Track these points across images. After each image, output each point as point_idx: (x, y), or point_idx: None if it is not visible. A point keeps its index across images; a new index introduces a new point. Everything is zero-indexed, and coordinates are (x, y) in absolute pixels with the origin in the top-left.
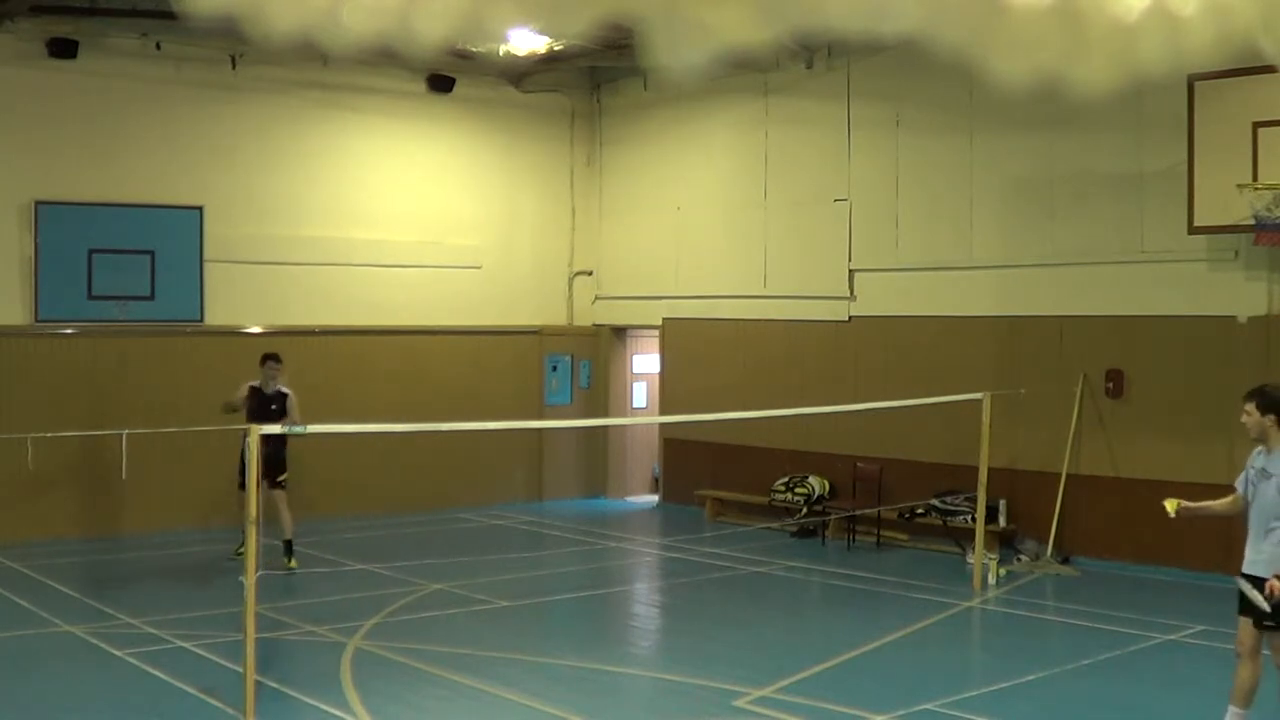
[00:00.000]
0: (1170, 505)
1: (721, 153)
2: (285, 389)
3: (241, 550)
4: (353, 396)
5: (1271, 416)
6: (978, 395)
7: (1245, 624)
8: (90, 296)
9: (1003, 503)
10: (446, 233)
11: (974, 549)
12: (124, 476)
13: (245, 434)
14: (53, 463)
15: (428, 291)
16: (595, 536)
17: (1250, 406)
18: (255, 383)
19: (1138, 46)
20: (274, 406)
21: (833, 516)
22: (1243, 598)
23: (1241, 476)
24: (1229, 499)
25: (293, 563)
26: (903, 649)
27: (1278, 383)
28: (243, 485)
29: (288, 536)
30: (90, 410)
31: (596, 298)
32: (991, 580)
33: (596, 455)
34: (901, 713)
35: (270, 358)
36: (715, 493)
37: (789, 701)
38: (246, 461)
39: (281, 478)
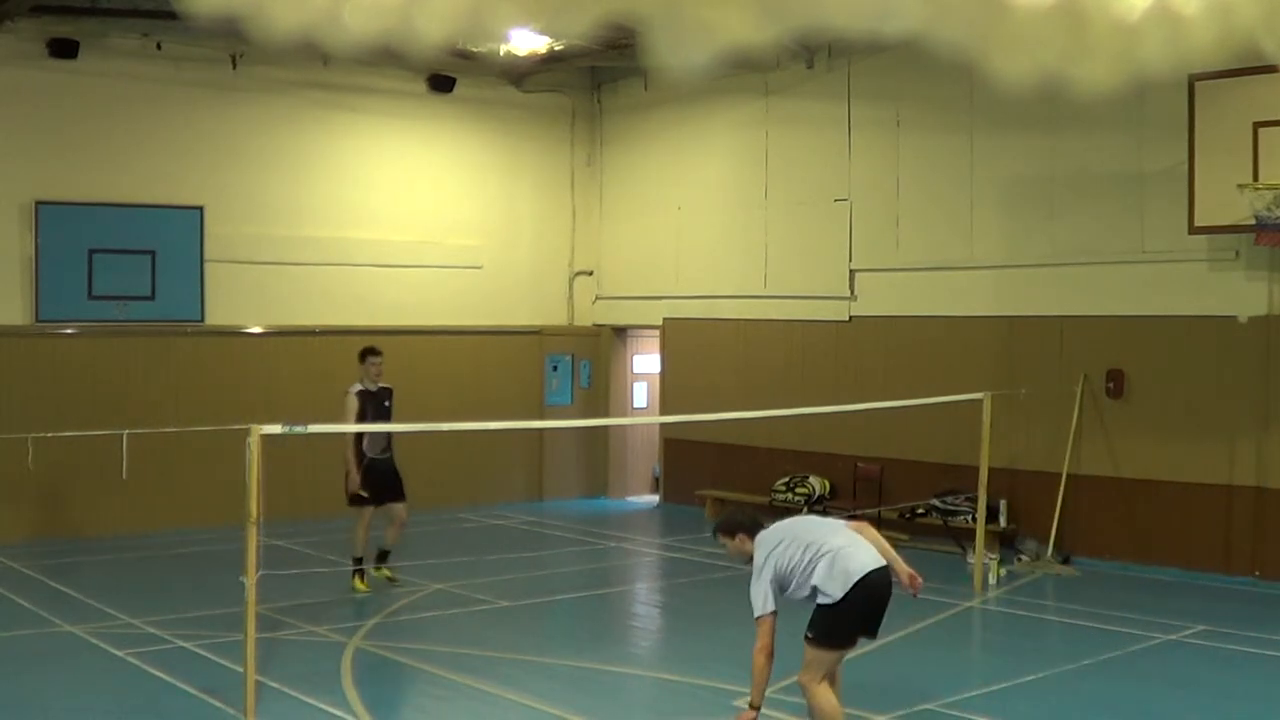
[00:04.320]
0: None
1: (721, 153)
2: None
3: (393, 578)
4: None
5: (741, 535)
6: (978, 395)
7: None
8: (90, 296)
9: (1003, 503)
10: (446, 233)
11: (974, 549)
12: (124, 476)
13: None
14: (52, 463)
15: (428, 291)
16: (595, 536)
17: (723, 539)
18: (358, 386)
19: (1139, 46)
20: (387, 404)
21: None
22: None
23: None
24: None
25: (384, 572)
26: (903, 649)
27: (733, 508)
28: (353, 501)
29: (388, 546)
30: (90, 410)
31: (597, 298)
32: (992, 580)
33: (597, 455)
34: (901, 713)
35: (372, 351)
36: (715, 493)
37: (789, 702)
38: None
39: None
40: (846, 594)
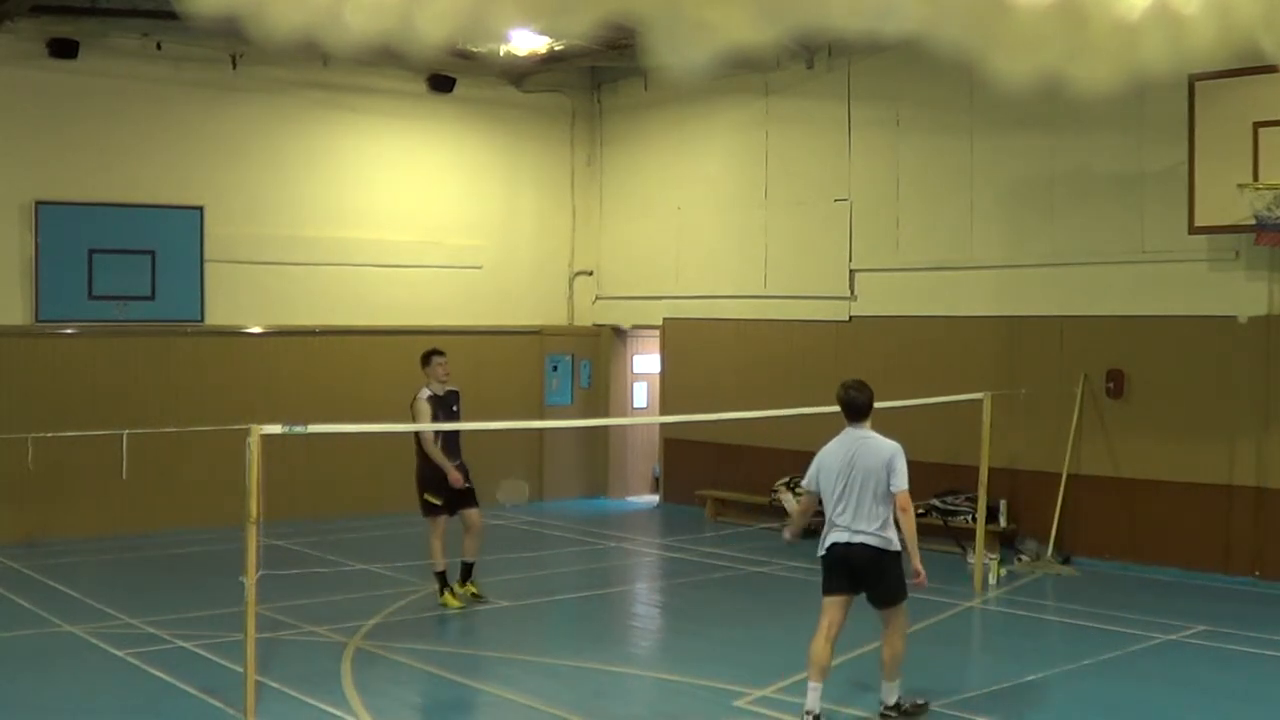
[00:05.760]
0: None
1: (721, 153)
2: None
3: (479, 594)
4: (353, 396)
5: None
6: (978, 395)
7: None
8: (90, 296)
9: (1003, 503)
10: (446, 233)
11: (974, 549)
12: (124, 476)
13: (441, 444)
14: (52, 463)
15: (428, 291)
16: (596, 536)
17: None
18: (427, 391)
19: (1139, 46)
20: (455, 408)
21: None
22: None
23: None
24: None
25: (471, 588)
26: None
27: (855, 391)
28: (427, 511)
29: (470, 559)
30: (90, 410)
31: (597, 298)
32: (992, 580)
33: (597, 455)
34: None
35: (436, 352)
36: (715, 493)
37: (789, 701)
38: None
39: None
40: (821, 554)
